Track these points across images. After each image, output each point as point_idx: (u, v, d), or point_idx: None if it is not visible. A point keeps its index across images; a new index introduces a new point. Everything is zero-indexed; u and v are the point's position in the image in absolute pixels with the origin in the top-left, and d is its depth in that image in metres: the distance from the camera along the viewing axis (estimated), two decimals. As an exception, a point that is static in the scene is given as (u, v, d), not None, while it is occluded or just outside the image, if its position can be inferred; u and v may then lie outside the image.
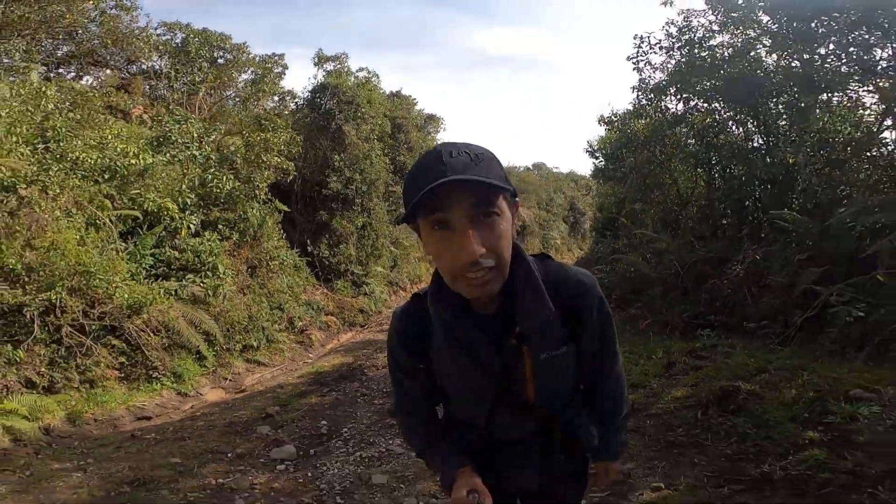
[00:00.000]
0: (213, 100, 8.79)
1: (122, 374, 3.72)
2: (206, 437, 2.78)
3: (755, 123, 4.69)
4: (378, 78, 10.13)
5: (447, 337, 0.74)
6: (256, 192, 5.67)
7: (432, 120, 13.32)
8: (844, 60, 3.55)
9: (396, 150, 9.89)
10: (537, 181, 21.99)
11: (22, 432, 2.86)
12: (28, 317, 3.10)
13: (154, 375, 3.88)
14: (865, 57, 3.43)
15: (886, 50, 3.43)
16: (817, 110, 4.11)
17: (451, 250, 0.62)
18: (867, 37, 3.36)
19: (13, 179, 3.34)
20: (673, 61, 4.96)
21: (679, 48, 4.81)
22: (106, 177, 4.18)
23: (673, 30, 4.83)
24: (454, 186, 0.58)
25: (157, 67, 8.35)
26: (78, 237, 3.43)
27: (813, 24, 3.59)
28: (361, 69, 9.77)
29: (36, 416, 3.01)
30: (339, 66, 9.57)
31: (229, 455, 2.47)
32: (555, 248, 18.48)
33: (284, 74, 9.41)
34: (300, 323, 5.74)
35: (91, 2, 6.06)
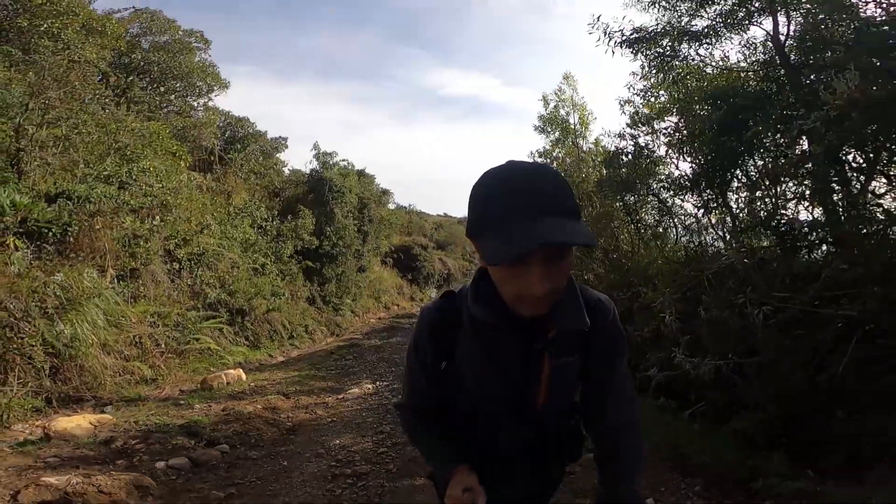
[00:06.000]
0: (239, 172, 14.03)
1: (247, 343, 8.98)
2: (314, 358, 8.36)
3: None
4: (353, 165, 16.25)
5: (479, 335, 0.85)
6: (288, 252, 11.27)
7: (385, 193, 19.65)
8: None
9: (362, 221, 15.81)
10: (464, 235, 28.75)
11: (234, 362, 8.10)
12: (234, 310, 8.42)
13: (257, 345, 9.17)
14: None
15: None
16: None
17: (522, 283, 0.73)
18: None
19: (224, 248, 8.70)
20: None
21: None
22: (241, 244, 9.57)
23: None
24: None
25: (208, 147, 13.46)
26: (247, 277, 8.86)
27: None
28: (344, 160, 15.78)
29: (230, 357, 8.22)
30: (329, 159, 15.54)
31: (339, 351, 8.16)
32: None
33: (283, 150, 15.11)
34: (310, 328, 11.17)
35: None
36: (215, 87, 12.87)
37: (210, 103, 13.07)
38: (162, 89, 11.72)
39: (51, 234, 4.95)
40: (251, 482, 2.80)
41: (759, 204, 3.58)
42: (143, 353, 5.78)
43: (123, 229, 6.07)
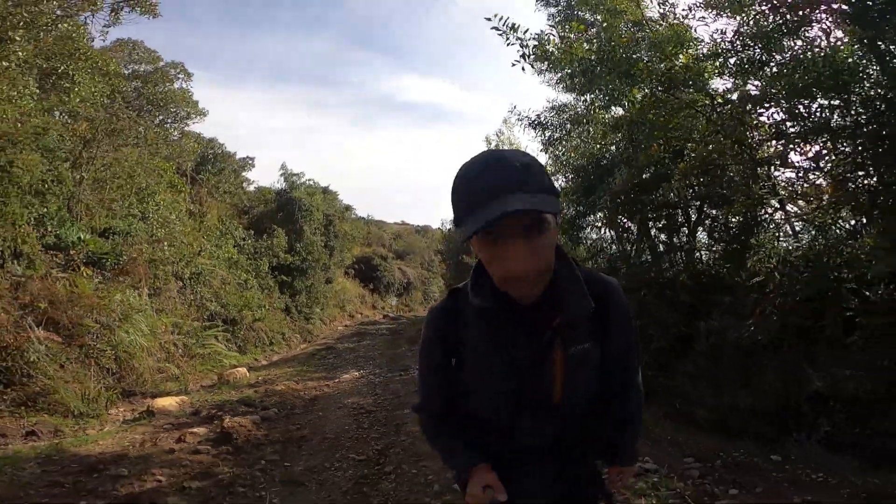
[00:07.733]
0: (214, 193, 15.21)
1: (237, 349, 10.46)
2: (298, 360, 10.05)
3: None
4: (318, 184, 17.88)
5: (482, 326, 0.88)
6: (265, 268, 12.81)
7: (348, 209, 21.35)
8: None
9: (328, 237, 17.43)
10: (422, 244, 30.36)
11: (230, 364, 9.64)
12: (227, 320, 9.92)
13: (245, 350, 10.67)
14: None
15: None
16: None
17: (502, 262, 0.78)
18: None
19: (216, 266, 10.17)
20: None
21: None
22: (226, 262, 11.03)
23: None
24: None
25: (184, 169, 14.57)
26: (239, 290, 10.39)
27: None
28: (310, 180, 17.36)
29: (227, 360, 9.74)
30: (296, 179, 17.06)
31: (319, 353, 9.91)
32: (433, 299, 26.09)
33: (251, 169, 16.46)
34: (286, 335, 12.72)
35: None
36: (193, 115, 14.11)
37: (186, 129, 14.26)
38: (142, 115, 12.81)
39: (108, 262, 6.44)
40: (306, 422, 4.69)
41: (598, 243, 6.08)
42: (170, 357, 7.27)
43: (149, 255, 7.52)
